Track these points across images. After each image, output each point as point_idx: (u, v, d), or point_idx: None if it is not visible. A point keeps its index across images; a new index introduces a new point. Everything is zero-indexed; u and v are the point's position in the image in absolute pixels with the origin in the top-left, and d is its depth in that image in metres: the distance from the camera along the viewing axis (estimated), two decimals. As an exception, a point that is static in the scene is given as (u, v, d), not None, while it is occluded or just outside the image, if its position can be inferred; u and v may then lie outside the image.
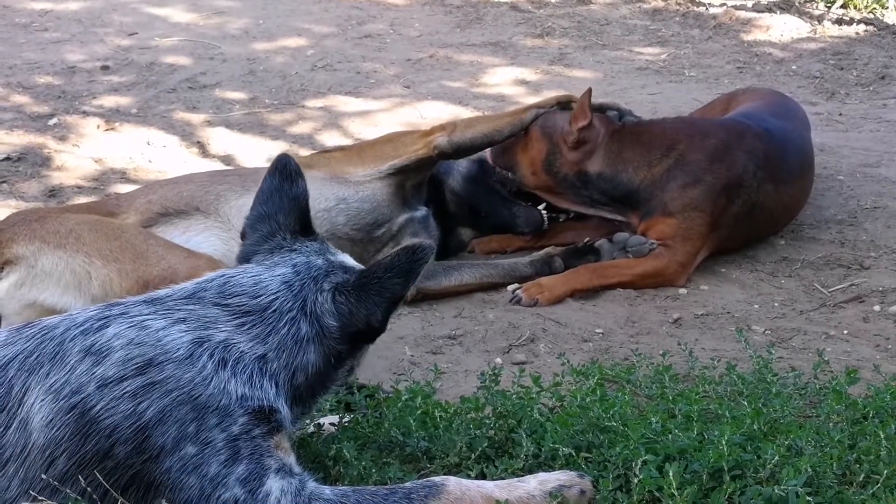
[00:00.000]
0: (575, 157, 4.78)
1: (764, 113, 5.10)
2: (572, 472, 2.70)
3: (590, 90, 4.81)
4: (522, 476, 2.71)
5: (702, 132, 4.84)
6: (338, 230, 4.41)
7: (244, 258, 2.83)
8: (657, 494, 2.63)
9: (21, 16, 8.88)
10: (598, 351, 4.00)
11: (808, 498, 2.55)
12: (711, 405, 3.16)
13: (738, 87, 6.58)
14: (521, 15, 8.97)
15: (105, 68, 7.53)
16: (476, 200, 4.97)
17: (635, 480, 2.66)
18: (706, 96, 6.61)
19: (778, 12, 8.76)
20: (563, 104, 4.93)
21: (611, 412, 2.97)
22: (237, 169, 5.57)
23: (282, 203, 2.85)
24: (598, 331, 4.18)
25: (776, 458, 2.69)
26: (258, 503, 2.46)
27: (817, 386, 3.41)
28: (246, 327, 2.60)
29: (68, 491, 2.47)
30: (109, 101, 6.90)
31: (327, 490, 2.53)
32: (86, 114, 6.61)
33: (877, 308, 4.35)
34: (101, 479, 2.46)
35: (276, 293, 2.66)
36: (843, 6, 8.95)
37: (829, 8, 8.90)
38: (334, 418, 3.07)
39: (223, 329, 2.58)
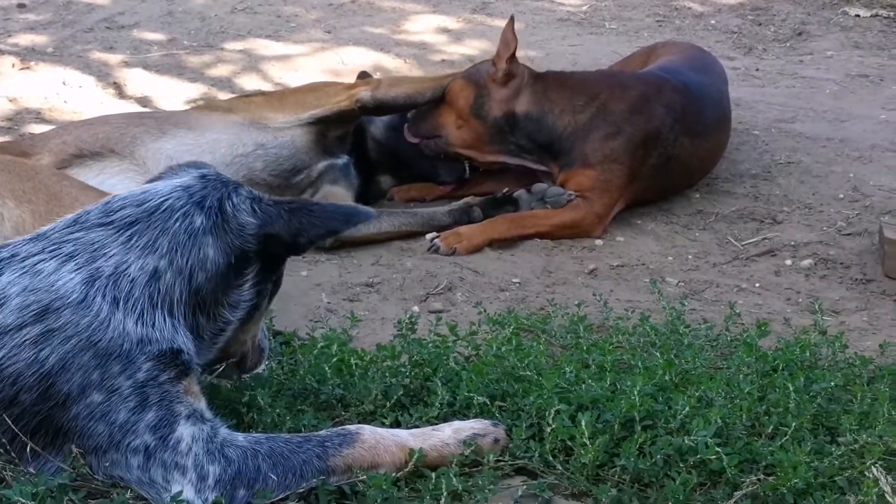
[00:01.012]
0: (504, 94, 4.71)
1: (682, 67, 5.10)
2: (486, 421, 2.69)
3: (512, 17, 4.79)
4: (437, 424, 2.70)
5: (622, 84, 4.83)
6: (255, 175, 4.37)
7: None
8: (569, 443, 2.64)
9: (-66, -51, 8.64)
10: (514, 300, 3.99)
11: (717, 448, 2.57)
12: (624, 356, 3.18)
13: (657, 40, 6.59)
14: (445, -37, 8.90)
15: (21, 6, 7.34)
16: (398, 149, 4.93)
17: (548, 429, 2.66)
18: (626, 49, 6.61)
19: (698, -33, 8.79)
20: None
21: (525, 361, 2.98)
22: (154, 111, 5.48)
23: None
24: (514, 280, 4.17)
25: (687, 408, 2.70)
26: (169, 450, 2.42)
27: (728, 338, 3.45)
28: (133, 240, 2.51)
29: None
30: (25, 39, 6.74)
31: (240, 437, 2.50)
32: (0, 52, 6.45)
33: (788, 262, 4.39)
34: (9, 422, 2.42)
35: (167, 195, 2.56)
36: (763, -38, 9.00)
37: (749, -36, 8.94)
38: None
39: (111, 254, 2.49)
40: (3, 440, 2.45)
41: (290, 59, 6.67)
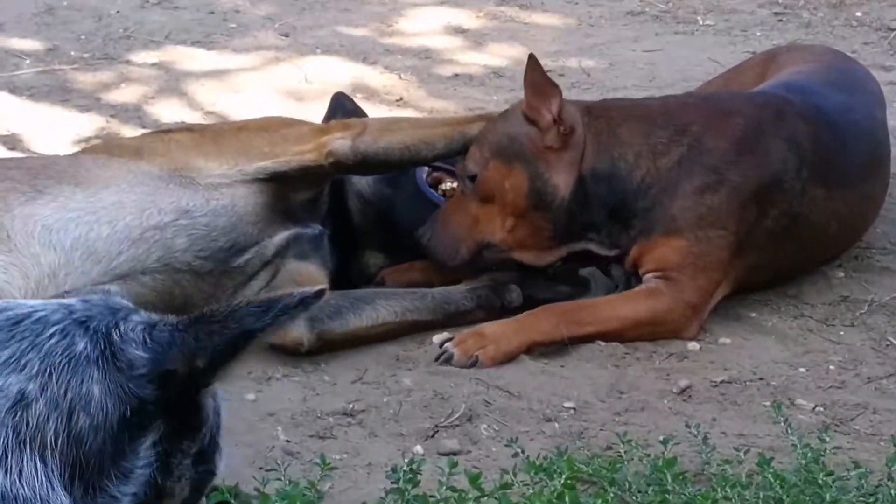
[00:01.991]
0: (568, 159, 4.62)
1: (815, 83, 5.14)
2: None
3: (532, 57, 4.59)
4: None
5: (723, 110, 4.84)
6: (176, 258, 4.22)
7: None
8: None
9: None
10: (567, 435, 3.99)
11: None
12: (737, 519, 3.18)
13: (776, 43, 6.63)
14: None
15: None
16: (392, 210, 4.91)
17: None
18: (730, 57, 6.66)
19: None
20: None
21: (587, 530, 2.98)
22: (25, 158, 5.50)
23: None
24: (567, 405, 4.17)
25: None
26: None
27: (893, 491, 3.43)
28: None
29: None
30: None
31: None
32: None
33: (979, 374, 4.40)
34: None
35: (38, 307, 2.60)
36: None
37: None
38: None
39: None
40: None
41: (228, 75, 6.74)
